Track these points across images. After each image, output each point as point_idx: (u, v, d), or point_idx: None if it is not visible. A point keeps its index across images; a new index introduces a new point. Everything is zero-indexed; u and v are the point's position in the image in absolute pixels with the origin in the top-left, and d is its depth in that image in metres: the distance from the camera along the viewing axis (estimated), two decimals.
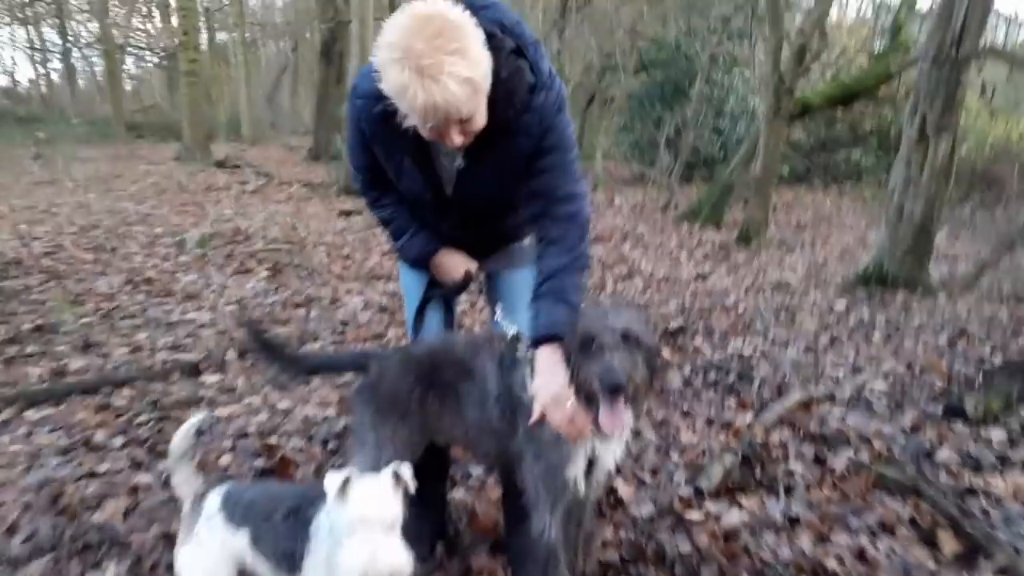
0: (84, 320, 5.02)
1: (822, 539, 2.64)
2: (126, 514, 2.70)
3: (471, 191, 2.12)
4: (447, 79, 1.66)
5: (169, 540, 2.54)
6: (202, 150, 18.18)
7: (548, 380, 1.87)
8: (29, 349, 4.41)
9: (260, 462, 3.09)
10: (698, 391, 4.11)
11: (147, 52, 37.28)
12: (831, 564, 2.45)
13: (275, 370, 2.40)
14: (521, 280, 2.32)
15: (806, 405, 3.85)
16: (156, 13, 35.12)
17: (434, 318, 2.46)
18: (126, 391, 3.79)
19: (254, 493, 1.88)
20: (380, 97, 1.81)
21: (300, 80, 38.60)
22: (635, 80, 17.43)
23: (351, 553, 1.54)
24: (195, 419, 1.92)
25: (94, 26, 32.24)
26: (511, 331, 2.10)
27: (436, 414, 2.17)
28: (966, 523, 2.64)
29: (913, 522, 2.74)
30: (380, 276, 6.69)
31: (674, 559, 2.49)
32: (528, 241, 2.35)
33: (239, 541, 1.79)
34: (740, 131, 15.78)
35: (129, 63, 40.14)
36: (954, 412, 3.69)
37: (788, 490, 2.99)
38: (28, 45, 36.97)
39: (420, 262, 2.35)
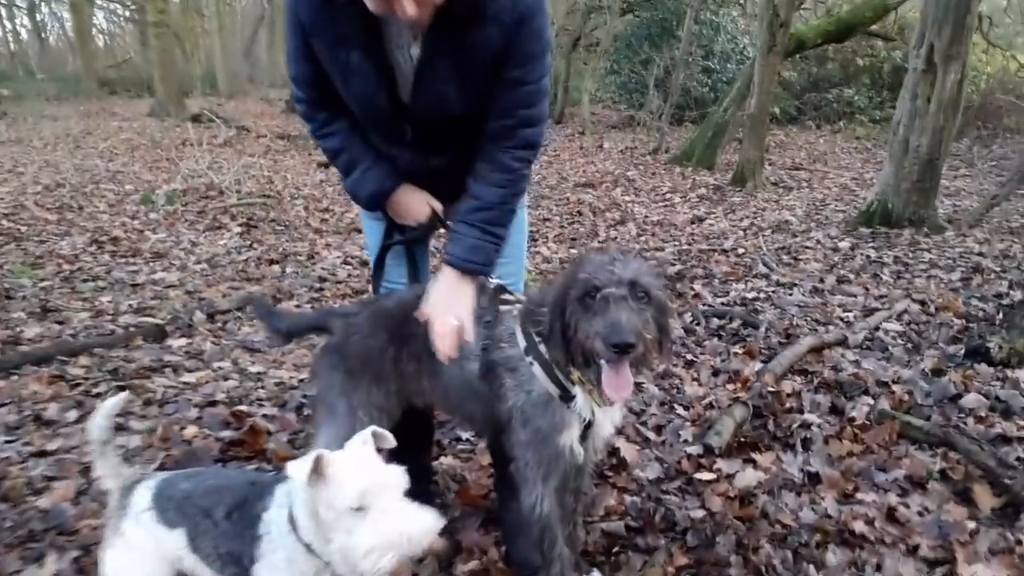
0: (43, 284, 4.70)
1: (847, 498, 2.39)
2: (76, 498, 2.42)
3: (431, 95, 1.77)
4: None
5: None
6: (176, 105, 17.63)
7: (450, 302, 1.78)
8: None
9: (228, 433, 2.81)
10: (701, 339, 3.85)
11: (117, 5, 36.27)
12: (859, 527, 2.21)
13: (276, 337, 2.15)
14: None
15: (817, 350, 3.59)
16: None
17: (397, 269, 2.17)
18: (84, 360, 3.48)
19: (192, 485, 1.56)
20: None
21: (277, 32, 37.56)
22: (621, 21, 16.92)
23: (372, 534, 1.25)
24: (115, 399, 1.59)
25: None
26: (491, 283, 1.83)
27: (413, 375, 1.90)
28: (1003, 474, 2.40)
29: (944, 475, 2.50)
30: (360, 228, 6.35)
31: (686, 527, 2.24)
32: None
33: (175, 542, 1.50)
34: (730, 71, 15.38)
35: (100, 17, 39.07)
36: (976, 353, 3.44)
37: (805, 444, 2.74)
38: None
39: (376, 202, 2.01)
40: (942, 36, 5.53)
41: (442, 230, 2.06)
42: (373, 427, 1.42)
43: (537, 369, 1.68)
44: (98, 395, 3.16)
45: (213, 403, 3.10)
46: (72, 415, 2.97)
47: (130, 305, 4.31)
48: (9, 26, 37.69)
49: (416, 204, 2.02)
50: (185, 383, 3.28)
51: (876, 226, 6.02)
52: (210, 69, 29.26)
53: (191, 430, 2.85)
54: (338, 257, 5.38)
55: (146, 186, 8.13)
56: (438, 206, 2.02)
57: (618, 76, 16.66)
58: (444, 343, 1.72)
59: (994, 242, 5.54)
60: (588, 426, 1.75)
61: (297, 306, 4.36)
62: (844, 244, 5.61)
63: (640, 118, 14.21)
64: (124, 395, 1.59)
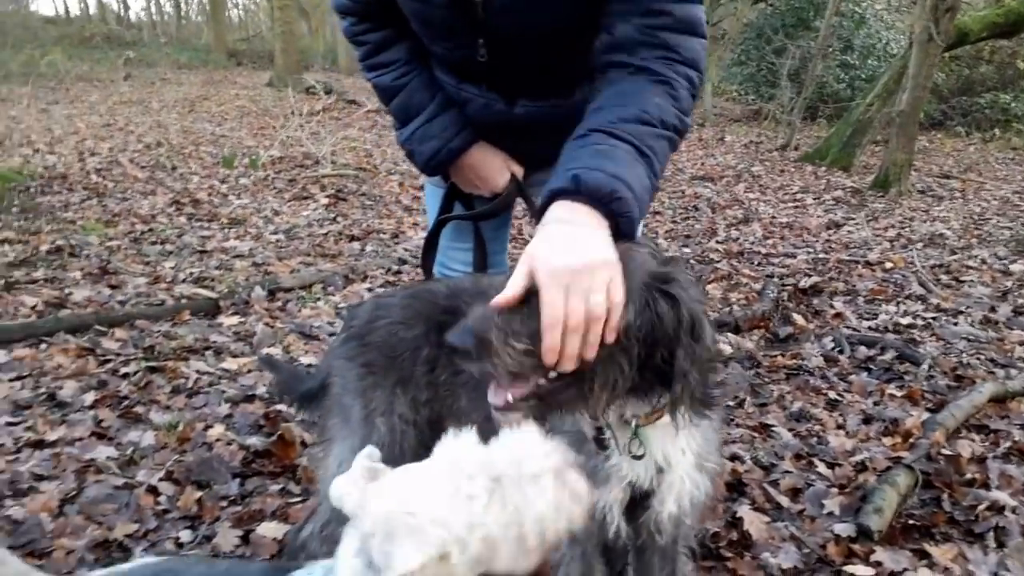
0: (110, 243, 4.39)
1: None
2: (60, 507, 1.97)
3: (512, 16, 1.22)
4: None
5: (104, 550, 1.81)
6: (294, 76, 17.70)
7: (548, 259, 0.97)
8: (38, 274, 3.79)
9: (256, 439, 2.31)
10: (846, 372, 3.12)
11: None
12: None
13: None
14: None
15: (1000, 400, 2.82)
16: None
17: (458, 253, 1.61)
18: (121, 332, 3.08)
19: None
20: None
21: None
22: (752, 9, 15.87)
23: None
24: None
25: None
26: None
27: (449, 387, 1.36)
28: None
29: None
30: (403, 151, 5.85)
31: None
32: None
33: None
34: (871, 67, 14.14)
35: None
36: None
37: (998, 535, 2.01)
38: None
39: (438, 164, 1.48)
40: None
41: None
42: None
43: None
44: (125, 375, 2.74)
45: (249, 398, 2.62)
46: (89, 398, 2.55)
47: (191, 273, 3.92)
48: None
49: (491, 169, 1.46)
50: (224, 370, 2.82)
51: None
52: (333, 45, 29.64)
53: (216, 430, 2.38)
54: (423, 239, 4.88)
55: (246, 151, 7.90)
56: (519, 171, 1.44)
57: (745, 67, 15.64)
58: (570, 342, 0.96)
59: None
60: (643, 496, 1.19)
61: (370, 289, 3.86)
62: (1017, 267, 4.69)
63: (768, 111, 13.19)
64: None
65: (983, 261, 4.88)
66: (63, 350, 2.87)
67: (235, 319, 3.33)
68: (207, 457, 2.23)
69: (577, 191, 1.00)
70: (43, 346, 2.93)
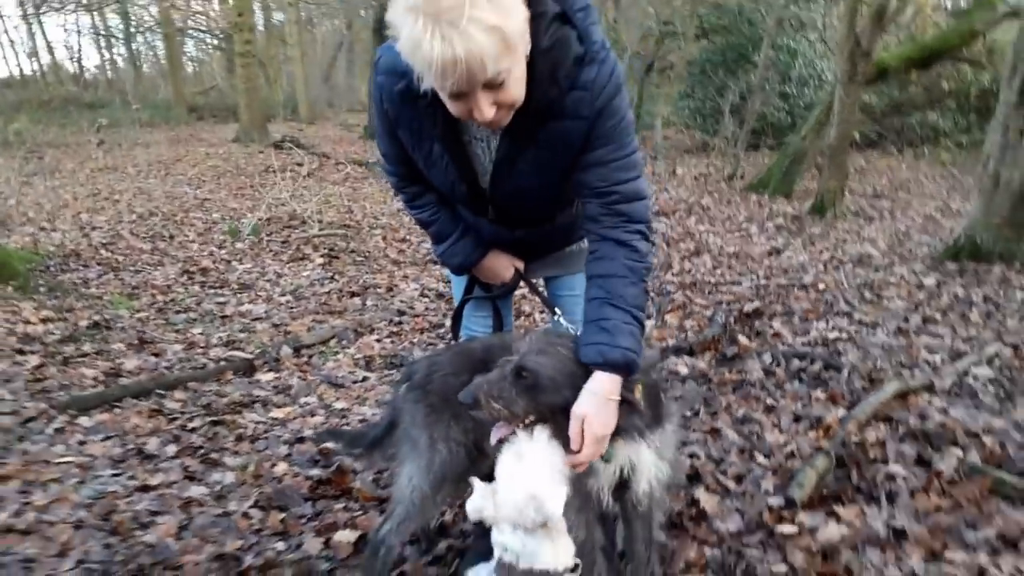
0: (139, 315, 4.95)
1: (934, 556, 2.34)
2: (179, 532, 2.55)
3: (510, 185, 1.84)
4: (469, 25, 1.37)
5: (223, 562, 2.39)
6: (259, 131, 18.25)
7: (605, 416, 1.67)
8: (86, 348, 4.34)
9: (316, 471, 2.92)
10: (781, 382, 3.80)
11: (206, 35, 37.94)
12: None
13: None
14: (579, 285, 2.03)
15: (903, 396, 3.51)
16: None
17: (477, 321, 2.25)
18: (179, 393, 3.67)
19: None
20: (403, 73, 1.58)
21: (355, 57, 38.68)
22: (696, 47, 16.85)
23: None
24: None
25: (155, 10, 32.86)
26: (573, 331, 1.90)
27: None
28: None
29: None
30: (436, 261, 6.49)
31: None
32: (585, 243, 1.96)
33: None
34: (808, 96, 15.14)
35: (190, 45, 40.80)
36: None
37: (891, 497, 2.68)
38: (92, 31, 37.94)
39: (463, 270, 2.15)
40: None
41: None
42: None
43: None
44: (193, 429, 3.32)
45: (300, 439, 3.22)
46: (171, 449, 3.14)
47: (220, 338, 4.51)
48: (107, 55, 39.91)
49: (500, 267, 2.12)
50: (274, 419, 3.42)
51: (964, 261, 5.84)
52: (291, 95, 30.24)
53: (281, 467, 2.98)
54: (416, 289, 5.51)
55: (232, 213, 8.48)
56: (520, 265, 2.11)
57: (692, 101, 16.58)
58: (584, 456, 1.69)
59: None
60: (627, 478, 1.87)
61: (378, 340, 4.49)
62: (929, 281, 5.45)
63: (715, 144, 14.08)
64: None
65: (902, 277, 5.64)
66: (136, 412, 3.45)
67: (270, 375, 3.93)
68: (280, 488, 2.82)
69: (607, 365, 1.67)
70: (116, 410, 3.50)
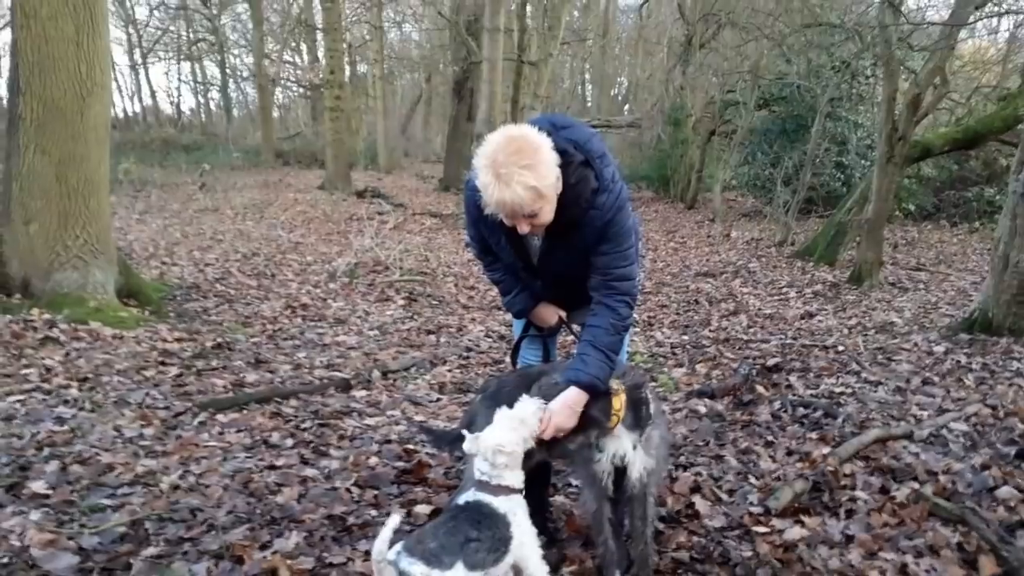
0: (254, 340, 5.96)
1: (871, 555, 3.05)
2: (299, 498, 3.43)
3: (551, 265, 2.76)
4: (516, 185, 2.30)
5: (332, 520, 3.25)
6: (343, 180, 19.66)
7: (567, 414, 2.50)
8: (214, 363, 5.34)
9: (400, 464, 3.79)
10: (784, 425, 4.53)
11: (294, 84, 40.37)
12: (872, 574, 2.88)
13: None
14: None
15: (883, 441, 4.20)
16: (304, 47, 38.13)
17: (531, 352, 3.12)
18: (292, 402, 4.61)
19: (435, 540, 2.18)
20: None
21: (433, 110, 40.56)
22: (756, 115, 17.63)
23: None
24: (393, 520, 2.14)
25: (249, 59, 35.35)
26: None
27: None
28: (1006, 550, 2.99)
29: (960, 547, 3.10)
30: (500, 307, 7.37)
31: (736, 562, 2.98)
32: None
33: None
34: (864, 166, 15.68)
35: (277, 93, 43.42)
36: None
37: (849, 513, 3.40)
38: (192, 78, 40.76)
39: (522, 315, 3.03)
40: None
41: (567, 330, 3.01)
42: None
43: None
44: (305, 429, 4.24)
45: (388, 441, 4.10)
46: (289, 442, 4.05)
47: (321, 361, 5.46)
48: (202, 100, 42.73)
49: (548, 315, 3.01)
50: (367, 425, 4.31)
51: (976, 333, 6.44)
52: (371, 144, 31.94)
53: (373, 460, 3.85)
54: (481, 331, 6.41)
55: (323, 257, 9.58)
56: (563, 314, 2.98)
57: (751, 167, 17.30)
58: (544, 434, 2.51)
59: None
60: (623, 470, 2.68)
61: (449, 370, 5.38)
62: (939, 348, 6.08)
63: (768, 212, 14.76)
64: (396, 519, 2.14)
65: (915, 344, 6.27)
66: (260, 414, 4.39)
67: (363, 392, 4.84)
68: (373, 473, 3.69)
69: (577, 383, 2.50)
70: (244, 411, 4.45)
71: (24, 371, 4.84)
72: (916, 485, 3.65)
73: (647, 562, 2.82)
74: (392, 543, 2.08)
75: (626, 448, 2.64)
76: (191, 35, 35.95)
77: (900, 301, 8.31)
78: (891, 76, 8.73)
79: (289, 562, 2.82)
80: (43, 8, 5.59)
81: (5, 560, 2.78)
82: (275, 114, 44.86)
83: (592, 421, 2.56)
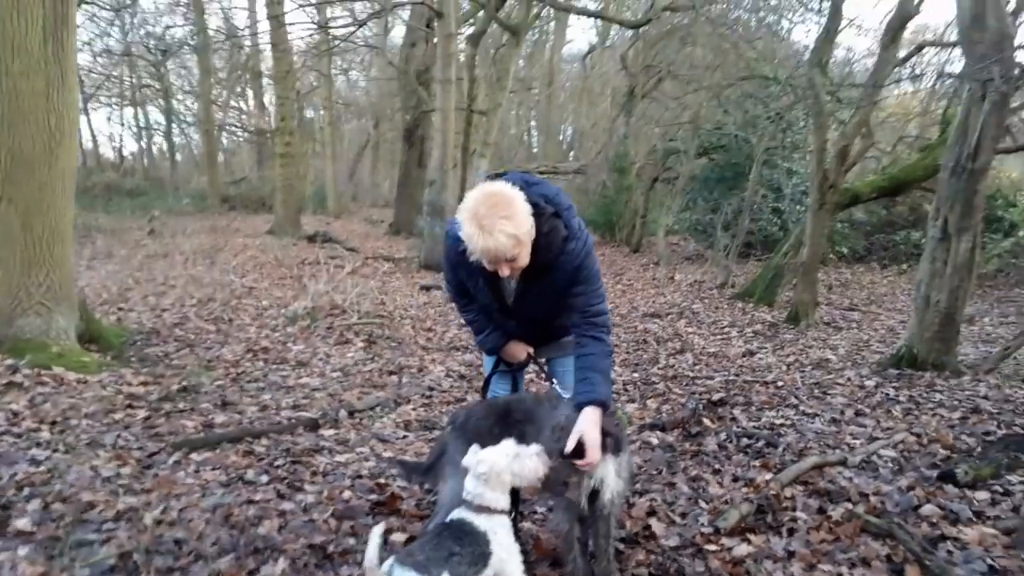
0: (218, 383, 6.08)
1: (811, 568, 3.37)
2: (279, 530, 3.61)
3: (525, 305, 3.07)
4: (498, 233, 2.63)
5: (313, 549, 3.44)
6: (293, 225, 19.74)
7: (591, 429, 2.76)
8: (180, 406, 5.46)
9: (373, 496, 4.00)
10: (730, 454, 4.87)
11: (239, 129, 40.33)
12: None
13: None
14: (569, 364, 3.22)
15: (819, 467, 4.56)
16: (250, 93, 38.22)
17: (501, 386, 3.40)
18: (264, 441, 4.78)
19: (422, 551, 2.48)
20: (462, 240, 2.78)
21: (380, 155, 40.89)
22: (697, 163, 18.38)
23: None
24: (378, 529, 2.41)
25: (194, 104, 35.26)
26: (564, 395, 3.01)
27: None
28: (929, 559, 3.34)
29: (889, 558, 3.44)
30: (458, 347, 7.65)
31: (689, 574, 3.27)
32: (572, 337, 3.23)
33: None
34: (799, 212, 16.47)
35: (222, 138, 43.25)
36: (946, 477, 4.35)
37: (791, 532, 3.72)
38: (135, 123, 40.41)
39: (494, 352, 3.31)
40: (954, 212, 6.58)
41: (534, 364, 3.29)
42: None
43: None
44: (279, 466, 4.40)
45: (360, 476, 4.30)
46: (264, 478, 4.21)
47: (287, 403, 5.62)
48: (144, 145, 42.29)
49: (518, 351, 3.30)
50: (338, 462, 4.50)
51: (904, 368, 6.92)
52: (319, 189, 32.06)
53: (347, 493, 4.05)
54: (442, 371, 6.64)
55: (278, 301, 9.71)
56: (531, 351, 3.27)
57: (692, 212, 17.98)
58: (591, 458, 2.77)
59: (1004, 387, 6.37)
60: (597, 492, 2.94)
61: (413, 409, 5.60)
62: (870, 383, 6.53)
63: (710, 255, 15.37)
64: (380, 528, 2.44)
65: (848, 379, 6.72)
66: (234, 452, 4.54)
67: (332, 431, 5.03)
68: (349, 506, 3.88)
69: (592, 402, 2.80)
70: (217, 450, 4.60)
71: None
72: (850, 505, 4.00)
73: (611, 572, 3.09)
74: (381, 556, 2.30)
75: (607, 472, 2.92)
76: (135, 80, 35.66)
77: (835, 339, 8.82)
78: (821, 128, 9.37)
79: None
80: (15, 64, 5.74)
81: None
82: (220, 159, 44.76)
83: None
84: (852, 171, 14.41)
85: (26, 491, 3.83)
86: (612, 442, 2.85)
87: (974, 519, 3.85)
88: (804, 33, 42.23)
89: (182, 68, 36.07)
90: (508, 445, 2.72)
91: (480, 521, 2.61)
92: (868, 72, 11.60)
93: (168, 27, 32.20)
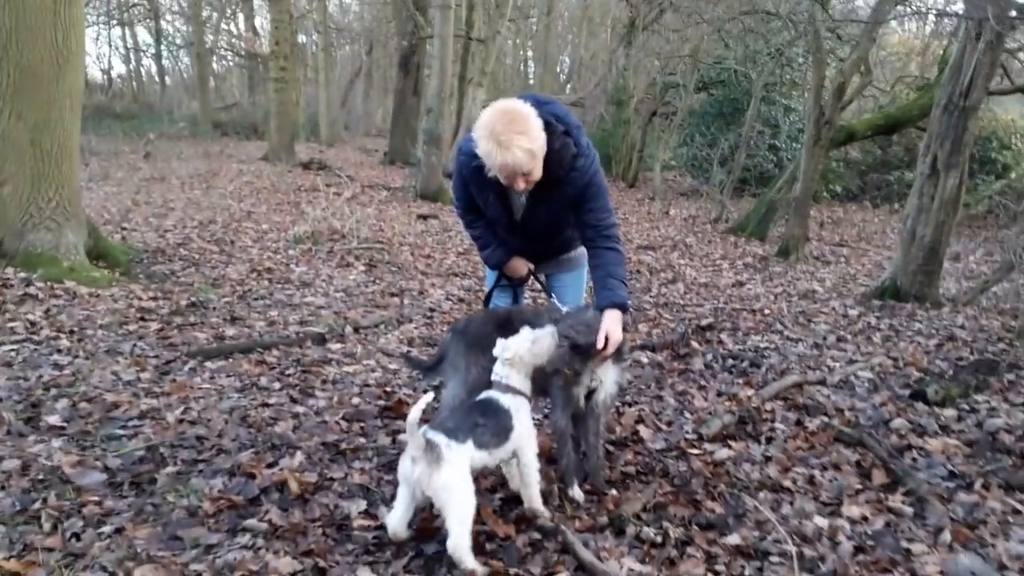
0: (225, 299, 6.29)
1: (785, 470, 3.65)
2: (294, 430, 3.87)
3: (532, 218, 3.26)
4: (515, 148, 2.80)
5: (327, 446, 3.69)
6: (287, 152, 19.67)
7: (614, 328, 3.00)
8: (191, 319, 5.67)
9: (381, 402, 4.25)
10: (716, 373, 5.14)
11: (230, 53, 39.62)
12: (786, 483, 3.48)
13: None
14: (569, 280, 3.54)
15: (799, 385, 4.84)
16: (241, 16, 37.46)
17: (502, 300, 3.65)
18: (274, 352, 5.01)
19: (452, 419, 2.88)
20: (476, 156, 2.96)
21: (373, 83, 40.36)
22: (696, 98, 18.35)
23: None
24: (426, 398, 2.59)
25: (182, 25, 34.59)
26: (563, 308, 3.23)
27: None
28: (893, 464, 3.63)
29: (858, 464, 3.73)
30: (457, 273, 7.86)
31: (674, 474, 3.55)
32: (574, 253, 3.52)
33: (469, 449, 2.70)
34: (796, 149, 16.56)
35: (213, 62, 42.51)
36: (918, 395, 4.64)
37: (769, 440, 4.01)
38: (123, 45, 39.60)
39: (498, 266, 3.52)
40: (944, 148, 6.76)
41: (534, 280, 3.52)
42: None
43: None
44: (290, 375, 4.65)
45: (368, 385, 4.55)
46: (277, 385, 4.46)
47: (294, 319, 5.85)
48: (133, 68, 41.56)
49: (520, 267, 3.51)
50: (346, 372, 4.75)
51: (887, 300, 7.19)
52: (312, 116, 31.75)
53: (356, 400, 4.30)
54: (442, 294, 6.86)
55: (277, 225, 9.86)
56: (532, 267, 3.48)
57: (689, 148, 18.05)
58: (612, 347, 3.01)
59: (980, 319, 6.66)
60: (593, 391, 3.20)
61: (415, 327, 5.83)
62: (853, 312, 6.80)
63: (705, 190, 15.51)
64: (429, 395, 2.72)
65: (833, 308, 6.99)
66: (247, 361, 4.78)
67: (338, 345, 5.26)
68: (358, 410, 4.13)
69: (615, 305, 3.03)
70: (231, 359, 4.83)
71: (9, 324, 5.11)
72: (825, 418, 4.30)
73: (599, 471, 3.36)
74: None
75: (607, 374, 3.18)
76: None
77: (823, 273, 9.08)
78: (819, 65, 9.44)
79: (296, 475, 3.26)
80: None
81: (40, 477, 3.15)
82: (210, 84, 44.07)
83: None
84: (851, 110, 14.52)
85: (52, 391, 4.06)
86: (615, 348, 3.08)
87: (940, 432, 4.15)
88: None
89: None
90: (526, 332, 2.96)
91: (506, 400, 2.91)
92: (871, 9, 11.58)
93: None
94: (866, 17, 11.11)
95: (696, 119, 18.26)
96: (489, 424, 2.79)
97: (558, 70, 37.72)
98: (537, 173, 2.96)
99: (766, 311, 6.86)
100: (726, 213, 13.23)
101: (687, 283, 8.10)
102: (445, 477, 2.57)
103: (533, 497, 3.00)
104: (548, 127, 2.92)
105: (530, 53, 40.18)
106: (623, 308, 3.07)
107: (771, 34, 14.93)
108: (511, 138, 2.78)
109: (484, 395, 2.96)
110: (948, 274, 9.36)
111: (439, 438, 2.61)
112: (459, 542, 2.55)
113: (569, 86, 34.84)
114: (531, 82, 38.08)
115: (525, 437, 2.92)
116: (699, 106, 18.52)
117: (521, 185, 2.97)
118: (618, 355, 3.18)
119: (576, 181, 3.06)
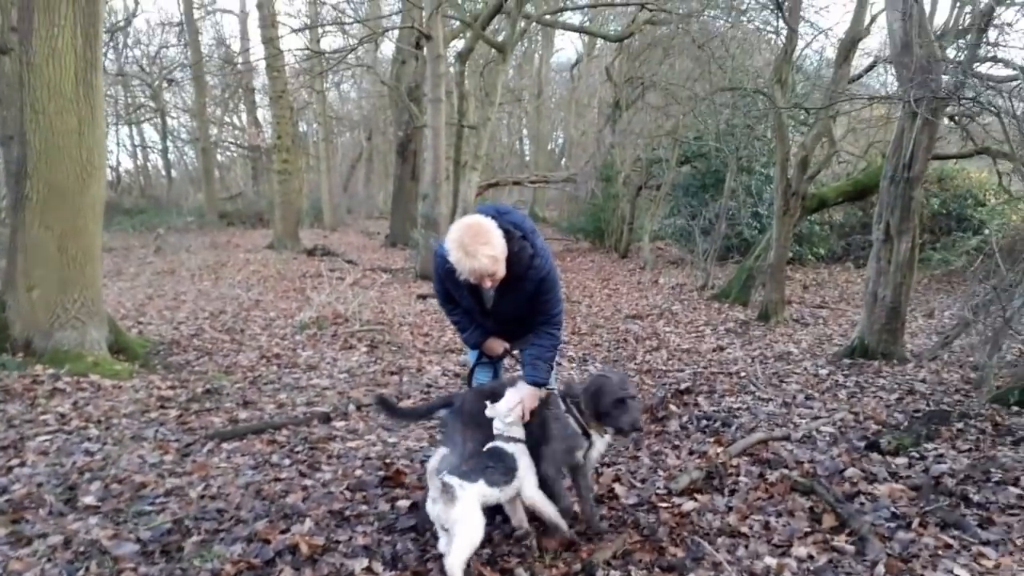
0: (237, 385, 6.79)
1: (744, 518, 4.08)
2: (304, 500, 4.32)
3: (501, 308, 3.83)
4: (480, 256, 3.39)
5: (333, 514, 4.14)
6: (292, 239, 20.43)
7: (530, 399, 3.66)
8: (207, 405, 6.16)
9: (381, 473, 4.71)
10: (690, 433, 5.59)
11: (234, 145, 41.02)
12: (744, 529, 3.91)
13: (396, 422, 4.23)
14: None
15: (764, 442, 5.28)
16: (243, 108, 38.89)
17: (483, 374, 4.17)
18: (284, 431, 5.48)
19: (458, 459, 3.57)
20: (449, 261, 3.52)
21: (373, 167, 41.62)
22: (679, 171, 19.14)
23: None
24: (440, 452, 3.28)
25: (187, 121, 35.95)
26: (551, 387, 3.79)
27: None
28: (841, 508, 4.06)
29: (811, 510, 4.16)
30: (453, 350, 8.36)
31: (643, 526, 3.98)
32: None
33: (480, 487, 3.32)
34: None
35: (216, 154, 43.83)
36: (873, 446, 5.08)
37: (732, 492, 4.44)
38: (130, 142, 41.01)
39: (476, 346, 4.06)
40: (894, 216, 7.34)
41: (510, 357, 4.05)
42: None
43: (571, 418, 3.62)
44: (299, 451, 5.11)
45: (369, 458, 5.01)
46: (287, 461, 4.92)
47: (301, 400, 6.33)
48: (140, 163, 42.90)
49: (496, 346, 4.06)
50: (349, 447, 5.21)
51: (856, 358, 7.66)
52: (315, 202, 32.74)
53: (359, 471, 4.76)
54: (438, 370, 7.35)
55: (284, 312, 10.42)
56: (507, 345, 4.01)
57: (676, 219, 18.74)
58: (527, 410, 3.63)
59: (942, 372, 7.12)
60: (589, 447, 3.68)
61: (412, 403, 6.30)
62: (823, 371, 7.26)
63: (691, 259, 16.12)
64: (445, 449, 3.42)
65: (805, 369, 7.45)
66: (259, 441, 5.25)
67: (342, 423, 5.74)
68: (360, 481, 4.59)
69: (535, 383, 3.66)
70: (245, 440, 5.30)
71: (42, 417, 5.61)
72: (786, 471, 4.72)
73: (595, 515, 3.91)
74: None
75: (602, 443, 3.82)
76: (130, 100, 36.35)
77: (800, 335, 9.56)
78: (782, 140, 10.14)
79: (306, 539, 3.71)
80: (51, 105, 6.47)
81: (81, 549, 3.61)
82: (215, 175, 45.39)
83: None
84: (826, 175, 15.23)
85: (87, 475, 4.54)
86: (629, 422, 3.63)
87: (888, 478, 4.58)
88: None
89: (176, 86, 36.74)
90: (512, 394, 3.65)
91: (508, 447, 3.56)
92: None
93: (163, 47, 33.11)
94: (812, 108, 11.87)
95: (680, 191, 18.98)
96: (497, 467, 3.42)
97: (551, 147, 39.00)
98: (500, 273, 3.52)
99: (742, 373, 7.32)
100: (711, 280, 13.78)
101: (670, 349, 8.58)
102: (458, 511, 3.15)
103: (551, 516, 3.64)
104: (507, 234, 3.50)
105: (524, 131, 41.60)
106: (540, 387, 3.70)
107: (744, 108, 15.76)
108: (476, 248, 3.37)
109: (491, 444, 3.58)
110: (921, 330, 9.85)
111: (453, 480, 3.19)
112: (456, 561, 3.08)
113: (563, 162, 36.00)
114: (526, 159, 39.31)
115: (526, 477, 3.55)
116: (683, 179, 19.26)
117: (488, 284, 3.55)
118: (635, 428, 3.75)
119: (533, 277, 3.64)
